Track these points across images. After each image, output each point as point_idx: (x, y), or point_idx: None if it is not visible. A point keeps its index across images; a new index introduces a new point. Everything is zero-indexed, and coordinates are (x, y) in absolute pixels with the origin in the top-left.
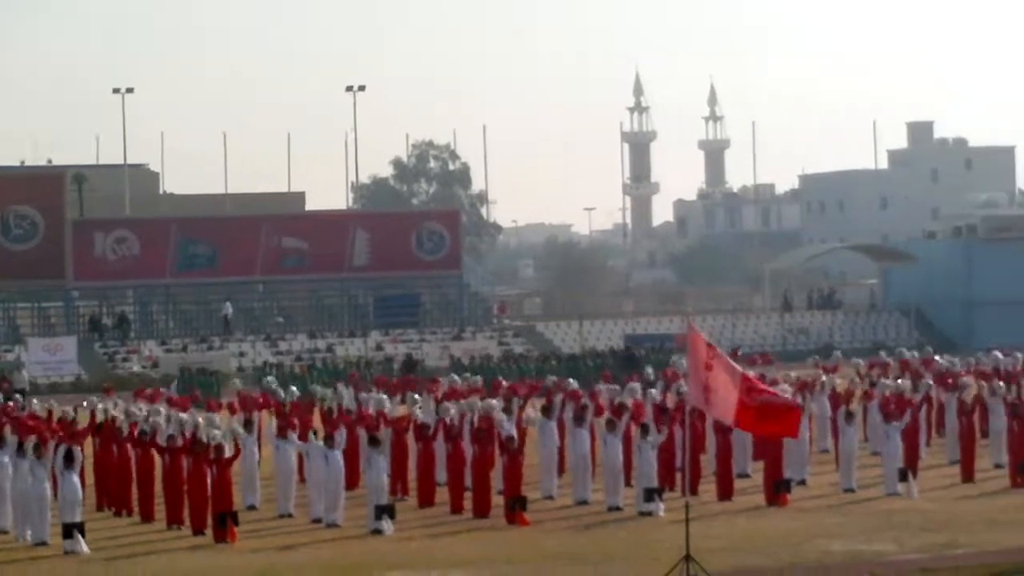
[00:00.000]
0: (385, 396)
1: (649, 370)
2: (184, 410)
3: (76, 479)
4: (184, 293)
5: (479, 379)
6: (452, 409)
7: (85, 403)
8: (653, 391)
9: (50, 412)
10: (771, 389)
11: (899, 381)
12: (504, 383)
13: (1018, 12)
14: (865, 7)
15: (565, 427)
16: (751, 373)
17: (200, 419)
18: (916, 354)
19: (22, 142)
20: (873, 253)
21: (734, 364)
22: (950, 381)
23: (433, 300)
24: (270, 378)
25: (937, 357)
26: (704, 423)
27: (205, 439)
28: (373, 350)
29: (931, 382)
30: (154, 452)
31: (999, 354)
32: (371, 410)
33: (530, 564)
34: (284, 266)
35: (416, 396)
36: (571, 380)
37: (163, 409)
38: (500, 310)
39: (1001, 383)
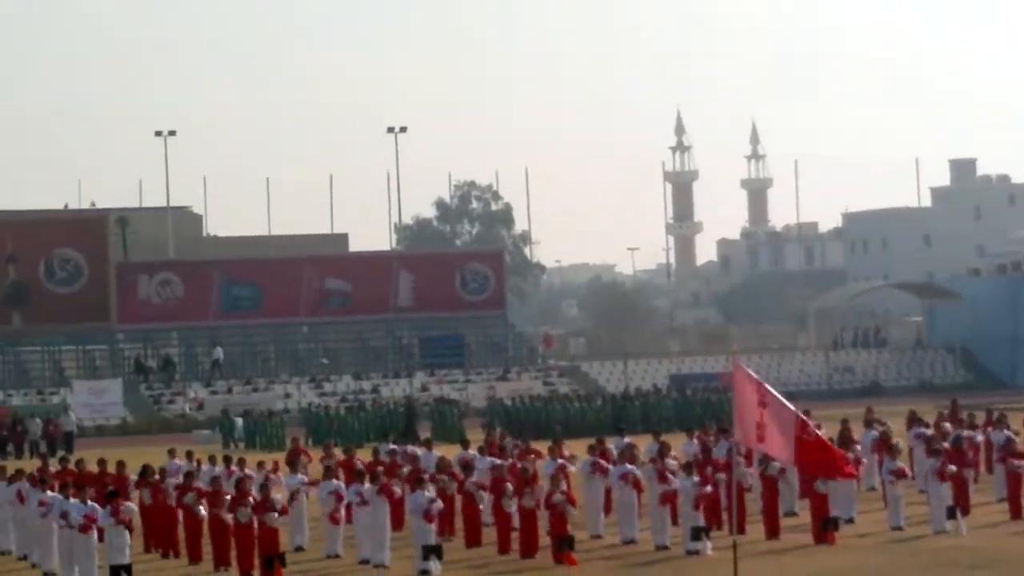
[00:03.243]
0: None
1: None
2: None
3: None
4: (229, 335)
5: None
6: None
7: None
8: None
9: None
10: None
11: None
12: None
13: None
14: (905, 45)
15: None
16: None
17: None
18: None
19: (66, 186)
20: (918, 291)
21: (786, 402)
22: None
23: (478, 340)
24: None
25: None
26: (751, 462)
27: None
28: (419, 391)
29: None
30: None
31: None
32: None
33: None
34: (328, 307)
35: None
36: None
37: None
38: (546, 343)
39: None
